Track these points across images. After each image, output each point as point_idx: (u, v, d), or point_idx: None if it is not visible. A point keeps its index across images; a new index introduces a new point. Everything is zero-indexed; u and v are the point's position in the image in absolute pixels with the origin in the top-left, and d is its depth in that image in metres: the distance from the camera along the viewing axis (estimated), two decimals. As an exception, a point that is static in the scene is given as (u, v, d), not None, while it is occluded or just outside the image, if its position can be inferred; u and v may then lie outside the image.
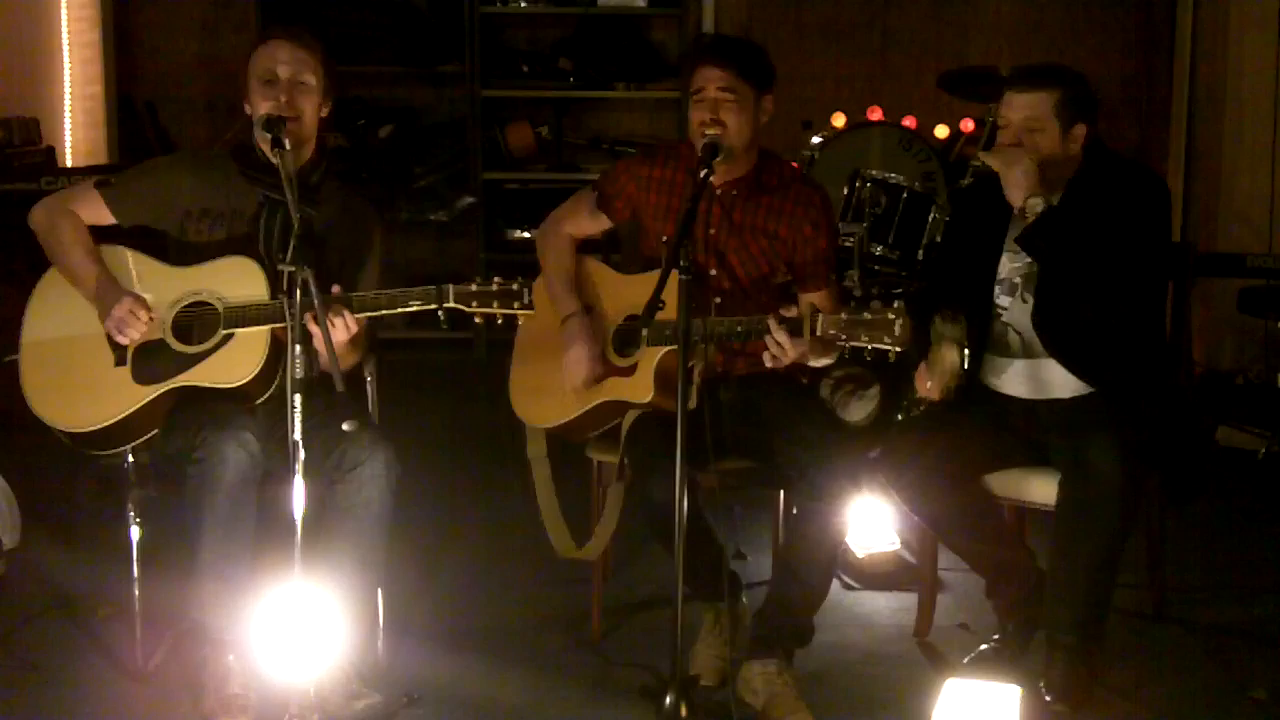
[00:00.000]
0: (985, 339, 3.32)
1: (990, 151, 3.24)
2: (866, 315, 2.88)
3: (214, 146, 3.38)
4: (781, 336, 2.97)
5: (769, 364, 3.04)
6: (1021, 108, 3.21)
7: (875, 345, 2.87)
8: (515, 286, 3.03)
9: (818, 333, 2.92)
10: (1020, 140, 3.20)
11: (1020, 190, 3.13)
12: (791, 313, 3.00)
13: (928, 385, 3.25)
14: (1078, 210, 3.17)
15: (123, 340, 3.08)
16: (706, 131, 3.16)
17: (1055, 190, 3.21)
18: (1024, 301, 3.28)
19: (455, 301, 3.02)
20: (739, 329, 3.06)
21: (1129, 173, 3.31)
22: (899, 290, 4.97)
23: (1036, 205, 3.12)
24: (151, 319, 3.08)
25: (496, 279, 3.04)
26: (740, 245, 3.30)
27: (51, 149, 5.85)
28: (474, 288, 3.02)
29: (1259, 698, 3.22)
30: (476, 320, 3.04)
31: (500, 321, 3.06)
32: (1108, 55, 6.89)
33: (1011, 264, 3.30)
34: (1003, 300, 3.31)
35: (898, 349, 2.87)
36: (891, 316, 2.85)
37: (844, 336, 2.90)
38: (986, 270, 3.33)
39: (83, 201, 3.23)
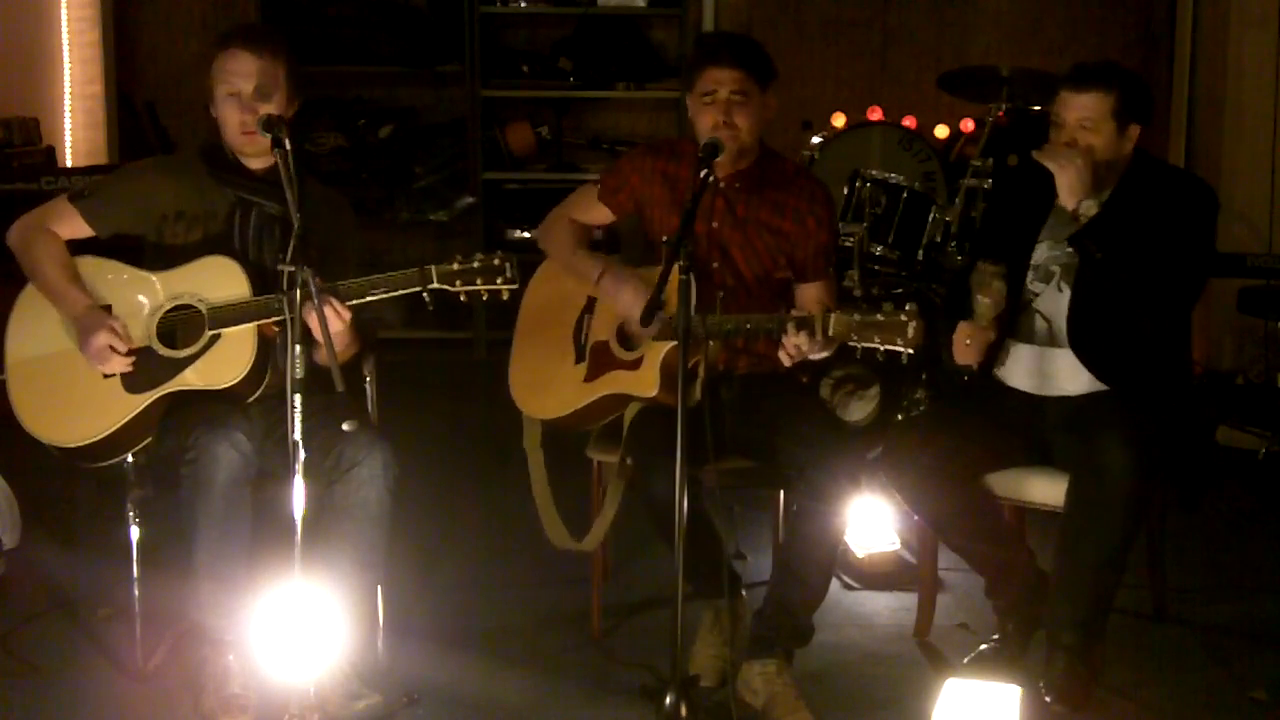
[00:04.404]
0: (1010, 324, 3.30)
1: (1043, 151, 3.20)
2: (879, 317, 2.87)
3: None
4: (800, 339, 2.95)
5: (786, 363, 3.03)
6: (1078, 107, 3.19)
7: (888, 347, 2.86)
8: (497, 261, 3.03)
9: (829, 333, 2.91)
10: (1074, 140, 3.18)
11: (1073, 193, 3.13)
12: (802, 312, 2.99)
13: (966, 344, 3.20)
14: (1127, 212, 3.16)
15: (105, 371, 3.05)
16: (720, 134, 3.16)
17: (1104, 189, 3.20)
18: (1060, 290, 3.27)
19: (439, 282, 3.01)
20: (748, 326, 3.05)
21: (1179, 179, 3.31)
22: (899, 290, 4.96)
23: (1090, 208, 3.12)
24: (131, 349, 3.05)
25: (479, 255, 3.03)
26: (744, 240, 3.30)
27: (51, 149, 5.84)
28: (456, 266, 3.02)
29: (1259, 698, 3.22)
30: (462, 299, 3.03)
31: (485, 298, 3.04)
32: (1108, 56, 6.82)
33: (1050, 252, 3.29)
34: (1035, 286, 3.30)
35: (910, 351, 2.86)
36: (904, 319, 2.84)
37: (855, 337, 2.89)
38: (1021, 256, 3.31)
39: (58, 217, 3.20)
